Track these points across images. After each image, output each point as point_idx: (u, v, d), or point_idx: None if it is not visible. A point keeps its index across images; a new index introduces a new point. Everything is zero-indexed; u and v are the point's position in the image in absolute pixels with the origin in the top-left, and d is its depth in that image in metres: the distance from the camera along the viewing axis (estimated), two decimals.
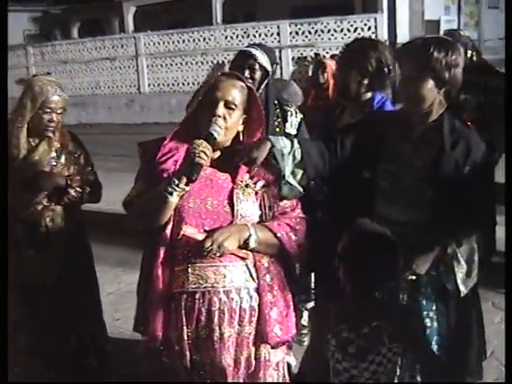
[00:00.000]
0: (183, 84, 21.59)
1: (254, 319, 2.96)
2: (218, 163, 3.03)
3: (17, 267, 4.03)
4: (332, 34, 18.80)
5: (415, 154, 3.17)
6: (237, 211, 2.92)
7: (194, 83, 21.20)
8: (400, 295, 3.16)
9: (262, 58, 4.30)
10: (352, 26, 18.48)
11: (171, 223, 2.90)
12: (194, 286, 2.88)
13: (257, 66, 4.30)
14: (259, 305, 2.95)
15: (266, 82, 4.34)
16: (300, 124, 4.42)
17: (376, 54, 3.92)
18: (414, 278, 3.13)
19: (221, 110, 2.93)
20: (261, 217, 3.00)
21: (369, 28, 18.20)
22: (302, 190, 3.14)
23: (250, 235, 2.89)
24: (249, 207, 2.96)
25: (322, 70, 7.16)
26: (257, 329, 2.97)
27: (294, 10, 23.30)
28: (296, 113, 4.43)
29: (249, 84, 3.09)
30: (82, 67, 23.79)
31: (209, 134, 2.86)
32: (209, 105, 2.96)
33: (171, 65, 21.84)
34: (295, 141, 3.19)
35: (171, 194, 2.79)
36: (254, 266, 2.96)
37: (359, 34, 18.23)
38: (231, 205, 2.93)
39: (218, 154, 3.01)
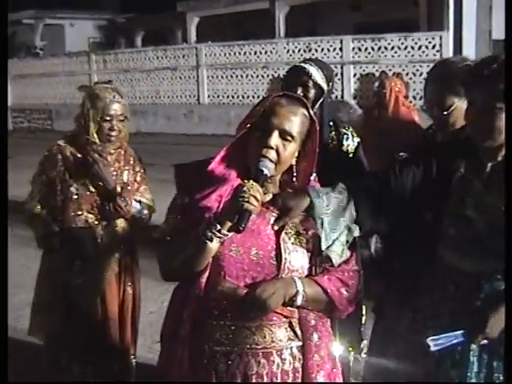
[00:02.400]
0: (243, 97, 21.53)
1: (298, 381, 2.58)
2: (267, 204, 2.59)
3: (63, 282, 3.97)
4: (395, 52, 18.53)
5: (487, 194, 2.73)
6: (284, 264, 2.50)
7: (253, 96, 21.15)
8: (470, 358, 2.80)
9: (317, 75, 4.00)
10: (416, 43, 18.19)
11: (207, 272, 2.49)
12: (229, 348, 2.51)
13: (311, 84, 3.99)
14: (304, 366, 2.57)
15: (320, 101, 4.06)
16: (357, 148, 4.13)
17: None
18: (485, 342, 2.66)
19: (274, 140, 2.45)
20: (309, 269, 2.59)
21: (433, 46, 17.89)
22: (347, 254, 2.68)
23: (296, 292, 2.48)
24: (298, 259, 2.54)
25: (382, 88, 6.90)
26: None
27: (356, 26, 23.16)
28: (353, 136, 4.12)
29: (312, 114, 2.60)
30: (143, 76, 23.95)
31: (258, 171, 2.42)
32: (261, 131, 2.48)
33: (231, 77, 21.82)
34: (345, 195, 2.71)
35: (211, 239, 2.38)
36: (299, 323, 2.57)
37: (423, 51, 18.00)
38: (279, 256, 2.50)
39: (269, 196, 2.55)
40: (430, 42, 17.99)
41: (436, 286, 2.86)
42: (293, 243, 2.53)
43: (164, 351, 2.70)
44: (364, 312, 4.09)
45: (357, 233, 2.69)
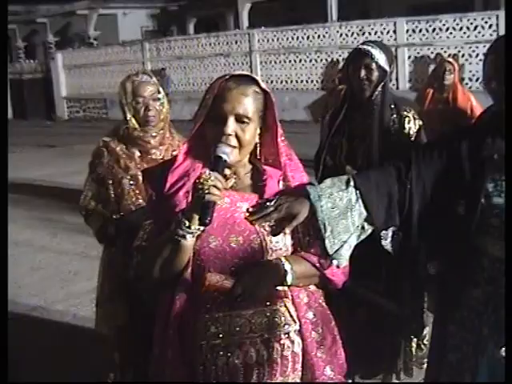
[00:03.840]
0: (296, 81, 21.47)
1: (298, 366, 2.52)
2: (237, 187, 2.51)
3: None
4: (451, 33, 18.23)
5: None
6: (266, 246, 2.42)
7: (307, 81, 21.11)
8: None
9: (380, 57, 3.95)
10: (472, 23, 17.86)
11: (190, 268, 2.40)
12: (226, 339, 2.43)
13: (374, 66, 3.95)
14: (304, 346, 2.51)
15: (382, 83, 4.01)
16: (419, 131, 4.05)
17: None
18: None
19: (231, 126, 2.36)
20: (294, 245, 2.52)
21: (490, 26, 17.54)
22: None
23: (285, 271, 2.40)
24: (279, 238, 2.45)
25: (448, 71, 6.75)
26: (302, 374, 2.53)
27: (410, 7, 22.84)
28: (415, 119, 4.05)
29: (264, 86, 2.47)
30: (197, 63, 24.04)
31: (216, 158, 2.33)
32: (216, 120, 2.39)
33: (285, 62, 21.77)
34: (352, 193, 2.59)
35: (183, 237, 2.30)
36: (293, 303, 2.51)
37: (479, 32, 17.68)
38: (259, 238, 2.42)
39: (232, 181, 2.47)
40: (486, 22, 17.64)
41: (486, 280, 2.78)
42: (270, 224, 2.44)
43: (155, 356, 2.61)
44: (426, 299, 4.03)
45: (370, 230, 2.62)
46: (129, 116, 3.96)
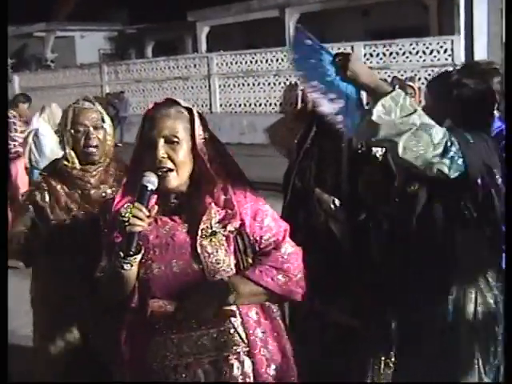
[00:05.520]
0: (255, 105, 21.57)
1: None
2: (179, 211, 2.55)
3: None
4: (407, 57, 18.57)
5: None
6: (207, 267, 2.46)
7: (265, 104, 21.20)
8: None
9: None
10: (428, 48, 18.21)
11: (136, 295, 2.48)
12: (174, 361, 2.49)
13: None
14: (254, 363, 2.52)
15: None
16: (385, 154, 4.10)
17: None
18: None
19: (161, 150, 2.43)
20: (237, 265, 2.53)
21: (445, 50, 17.91)
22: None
23: (227, 292, 2.44)
24: (221, 258, 2.48)
25: (409, 94, 6.90)
26: None
27: (367, 32, 23.16)
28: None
29: (185, 105, 2.55)
30: (155, 86, 24.04)
31: (141, 187, 2.38)
32: (149, 148, 2.46)
33: (243, 85, 21.88)
34: None
35: (121, 267, 2.36)
36: (242, 322, 2.51)
37: (435, 56, 18.03)
38: (200, 261, 2.46)
39: (155, 208, 2.46)
40: (441, 47, 18.00)
41: None
42: (211, 244, 2.48)
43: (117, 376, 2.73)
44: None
45: None
46: (68, 149, 3.58)
